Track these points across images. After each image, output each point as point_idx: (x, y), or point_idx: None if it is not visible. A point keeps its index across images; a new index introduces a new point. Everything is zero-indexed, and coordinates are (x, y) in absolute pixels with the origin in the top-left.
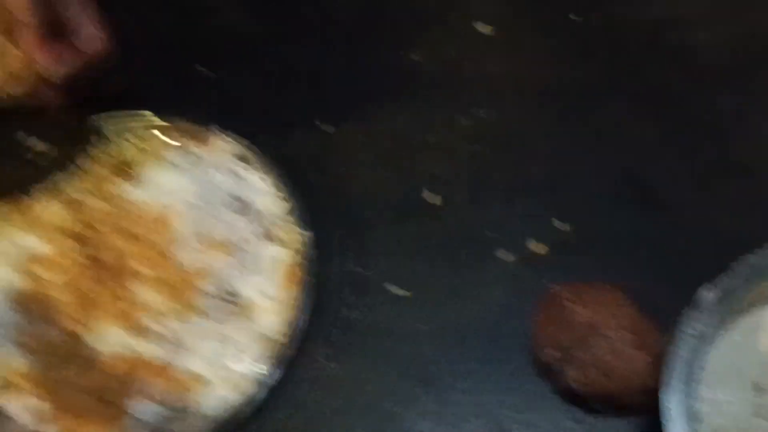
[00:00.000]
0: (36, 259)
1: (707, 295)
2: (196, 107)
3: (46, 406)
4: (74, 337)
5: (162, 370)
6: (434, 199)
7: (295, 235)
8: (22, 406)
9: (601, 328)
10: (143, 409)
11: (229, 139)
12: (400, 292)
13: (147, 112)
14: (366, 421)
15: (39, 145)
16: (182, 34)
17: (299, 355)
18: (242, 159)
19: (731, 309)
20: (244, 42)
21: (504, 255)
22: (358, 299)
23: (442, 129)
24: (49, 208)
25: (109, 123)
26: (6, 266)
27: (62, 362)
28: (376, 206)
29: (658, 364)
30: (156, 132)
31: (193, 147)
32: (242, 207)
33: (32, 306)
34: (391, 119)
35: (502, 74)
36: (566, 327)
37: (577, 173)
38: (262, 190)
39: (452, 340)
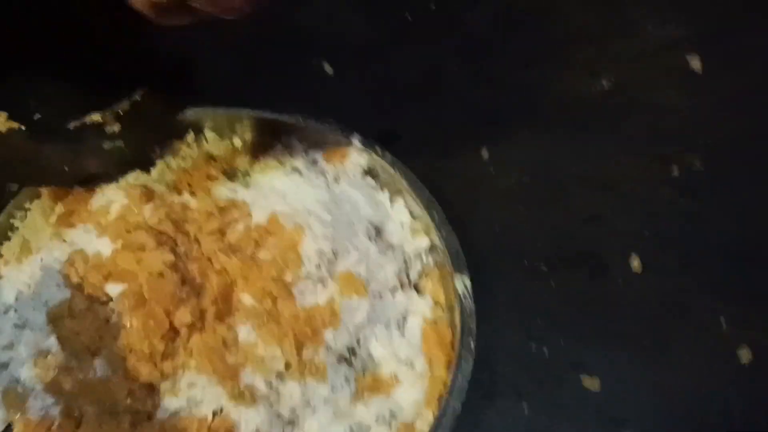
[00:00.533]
0: (100, 264)
1: None
2: (318, 108)
3: None
4: (139, 387)
5: None
6: (632, 261)
7: (445, 283)
8: None
9: None
10: None
11: (360, 148)
12: (589, 383)
13: (264, 113)
14: None
15: (117, 131)
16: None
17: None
18: (372, 174)
19: None
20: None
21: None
22: (531, 384)
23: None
24: (121, 203)
25: (210, 117)
26: (54, 277)
27: (111, 417)
28: (545, 256)
29: None
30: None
31: (317, 154)
32: (380, 238)
33: (84, 330)
34: (559, 150)
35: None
36: None
37: None
38: (399, 219)
39: None
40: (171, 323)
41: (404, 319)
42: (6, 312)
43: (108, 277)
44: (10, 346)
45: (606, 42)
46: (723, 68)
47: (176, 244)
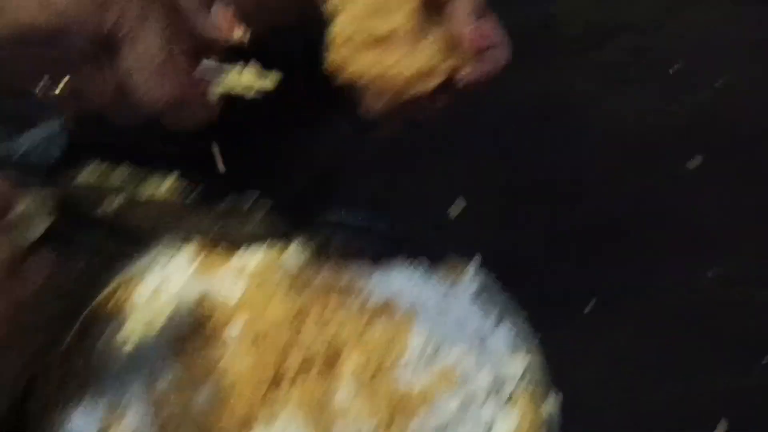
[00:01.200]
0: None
1: None
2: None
3: None
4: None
5: None
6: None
7: (535, 406)
8: None
9: None
10: None
11: (476, 271)
12: None
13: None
14: None
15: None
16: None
17: None
18: (482, 298)
19: None
20: None
21: None
22: None
23: None
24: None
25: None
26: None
27: None
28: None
29: None
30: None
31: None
32: (482, 350)
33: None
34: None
35: None
36: None
37: None
38: (502, 339)
39: None
40: (278, 370)
41: (490, 430)
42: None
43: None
44: None
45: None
46: None
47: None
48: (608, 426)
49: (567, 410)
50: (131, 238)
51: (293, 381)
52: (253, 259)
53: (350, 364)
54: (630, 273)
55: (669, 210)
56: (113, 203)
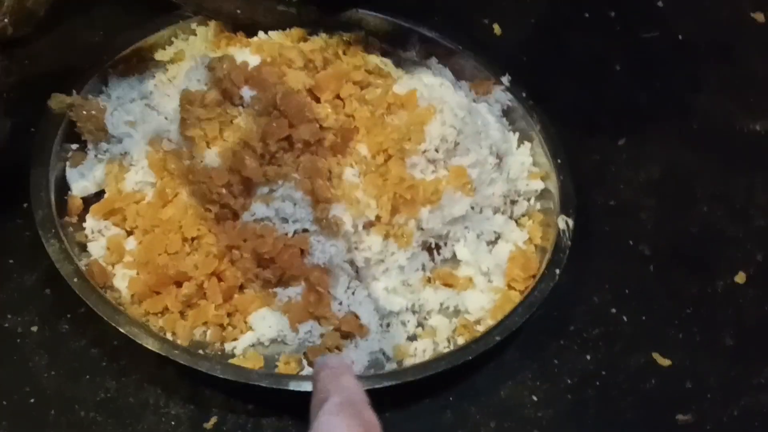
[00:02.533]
0: (245, 69)
1: None
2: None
3: None
4: (237, 182)
5: (319, 298)
6: (737, 275)
7: (545, 228)
8: None
9: None
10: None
11: (507, 86)
12: (664, 362)
13: (427, 34)
14: None
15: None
16: None
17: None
18: (510, 117)
19: None
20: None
21: None
22: (602, 341)
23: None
24: (279, 38)
25: (378, 22)
26: (198, 73)
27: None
28: (652, 242)
29: None
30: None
31: (464, 84)
32: (498, 161)
33: (209, 120)
34: (700, 164)
35: None
36: None
37: None
38: (521, 159)
39: None
40: (290, 136)
41: (496, 239)
42: (141, 99)
43: (248, 81)
44: (132, 124)
45: None
46: None
47: (318, 72)
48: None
49: (579, 238)
50: (160, 4)
51: (302, 151)
52: (272, 38)
53: (364, 144)
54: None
55: None
56: None
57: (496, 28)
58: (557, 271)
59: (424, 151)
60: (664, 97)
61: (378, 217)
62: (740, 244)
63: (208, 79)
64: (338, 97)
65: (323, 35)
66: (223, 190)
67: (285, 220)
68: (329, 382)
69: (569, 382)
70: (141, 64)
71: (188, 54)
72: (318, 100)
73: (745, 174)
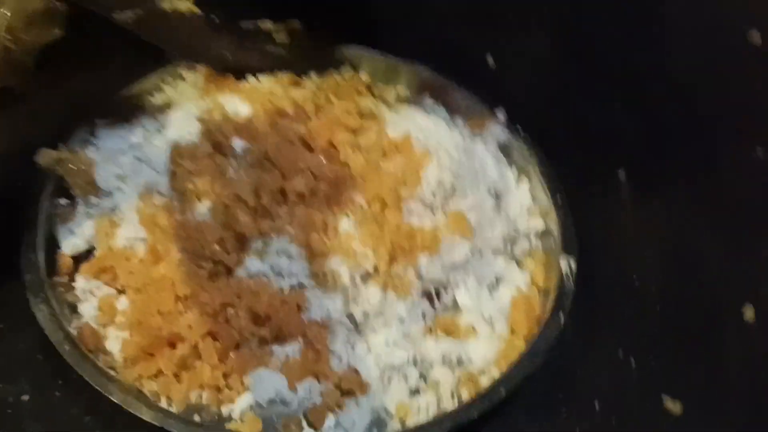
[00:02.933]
0: (235, 120)
1: None
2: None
3: None
4: (230, 237)
5: (317, 355)
6: (746, 312)
7: (548, 268)
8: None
9: None
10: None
11: (503, 122)
12: (674, 407)
13: (421, 69)
14: None
15: (284, 41)
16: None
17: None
18: (506, 152)
19: None
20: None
21: None
22: (609, 387)
23: None
24: (270, 85)
25: (369, 60)
26: (189, 123)
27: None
28: (658, 282)
29: None
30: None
31: (459, 120)
32: (496, 202)
33: (200, 173)
34: (702, 203)
35: None
36: None
37: None
38: (520, 197)
39: None
40: (283, 188)
41: (497, 283)
42: (130, 150)
43: (239, 132)
44: (122, 178)
45: None
46: None
47: (310, 120)
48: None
49: (582, 279)
50: (147, 49)
51: (296, 203)
52: (262, 84)
53: (359, 192)
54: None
55: None
56: (133, 11)
57: (490, 61)
58: (562, 315)
59: (421, 198)
60: (664, 129)
61: (376, 268)
62: (748, 279)
63: (199, 130)
64: (331, 144)
65: (314, 77)
66: (216, 246)
67: (280, 275)
68: None
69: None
70: (129, 113)
71: (177, 101)
72: (311, 149)
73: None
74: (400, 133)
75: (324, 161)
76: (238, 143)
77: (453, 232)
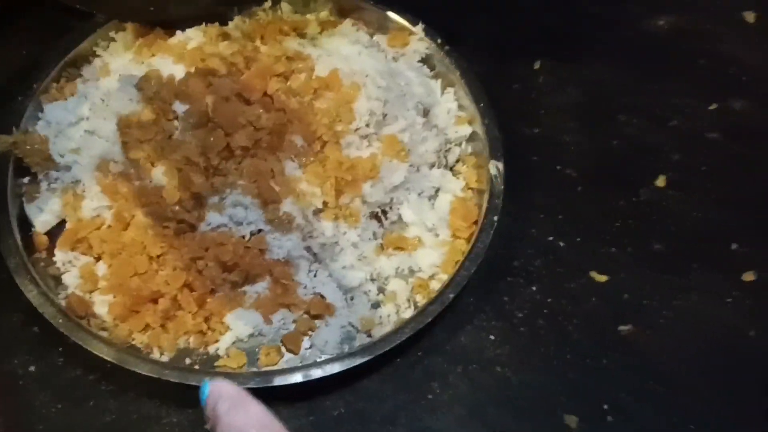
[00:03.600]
0: (173, 84)
1: None
2: None
3: None
4: (189, 197)
5: (285, 289)
6: (658, 181)
7: (479, 169)
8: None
9: None
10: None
11: (423, 37)
12: (601, 279)
13: None
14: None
15: None
16: None
17: (451, 310)
18: (429, 64)
19: None
20: None
21: (747, 276)
22: (544, 270)
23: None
24: (199, 40)
25: None
26: (128, 91)
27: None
28: (579, 165)
29: None
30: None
31: (381, 38)
32: (426, 119)
33: (149, 140)
34: (614, 79)
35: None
36: None
37: None
38: (447, 106)
39: (658, 359)
40: (228, 144)
41: (436, 193)
42: (79, 122)
43: (178, 96)
44: (77, 151)
45: None
46: None
47: (242, 74)
48: (552, 183)
49: (512, 172)
50: (73, 13)
51: (242, 156)
52: (191, 40)
53: (298, 135)
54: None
55: None
56: None
57: None
58: (495, 218)
59: (356, 129)
60: (574, 16)
61: (325, 203)
62: (658, 148)
63: (140, 98)
64: (266, 94)
65: (238, 22)
66: (177, 207)
67: (240, 224)
68: (234, 415)
69: (520, 315)
70: (71, 83)
71: (113, 66)
72: (248, 102)
73: (658, 78)
74: (328, 70)
75: (261, 112)
76: (179, 106)
77: (389, 156)
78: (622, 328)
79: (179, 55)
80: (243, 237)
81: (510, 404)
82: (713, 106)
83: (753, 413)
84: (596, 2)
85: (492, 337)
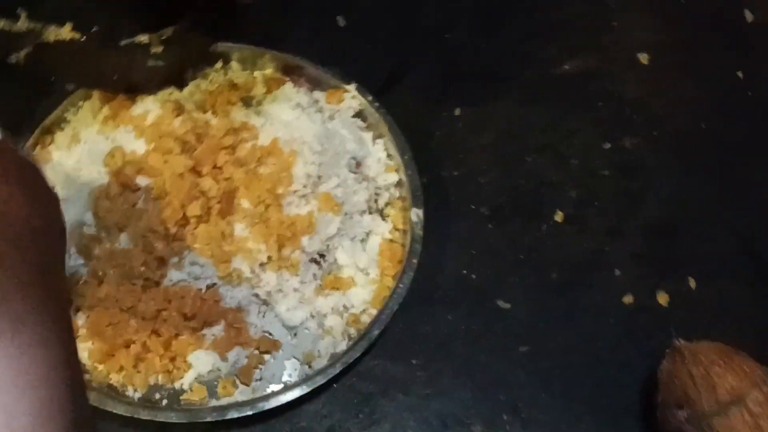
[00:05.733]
0: (135, 160)
1: None
2: (329, 56)
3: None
4: (152, 259)
5: (238, 331)
6: (557, 216)
7: (405, 213)
8: None
9: (745, 398)
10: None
11: (356, 94)
12: (505, 306)
13: (282, 54)
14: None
15: (160, 51)
16: None
17: (381, 339)
18: (362, 117)
19: None
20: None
21: (626, 299)
22: (461, 299)
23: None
24: (157, 113)
25: (237, 52)
26: (97, 164)
27: (128, 280)
28: (490, 203)
29: None
30: (284, 75)
31: (319, 94)
32: (359, 170)
33: (116, 210)
34: (521, 117)
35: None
36: (706, 390)
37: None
38: (377, 156)
39: (552, 373)
40: (184, 213)
41: (367, 236)
42: (53, 188)
43: (140, 171)
44: None
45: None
46: (669, 67)
47: (195, 150)
48: (468, 221)
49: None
50: (45, 84)
51: (197, 223)
52: (150, 114)
53: (246, 199)
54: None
55: None
56: (23, 51)
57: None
58: (414, 260)
59: (295, 191)
60: (491, 62)
61: (269, 257)
62: (559, 185)
63: (107, 172)
64: (216, 166)
65: (192, 86)
66: (143, 268)
67: (197, 278)
68: None
69: (438, 341)
70: (45, 150)
71: (82, 135)
72: (200, 174)
73: (563, 118)
74: (270, 139)
75: (212, 183)
76: (141, 180)
77: (325, 211)
78: (521, 348)
79: (140, 129)
80: (200, 290)
81: (427, 420)
82: (607, 145)
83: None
84: (508, 50)
85: (414, 362)
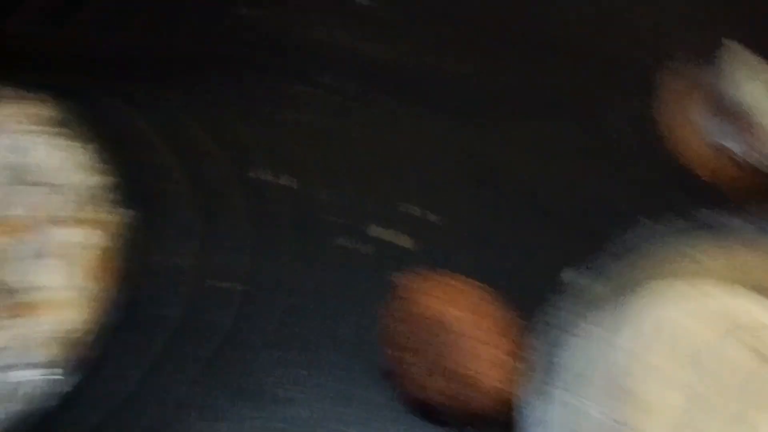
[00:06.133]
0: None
1: (570, 277)
2: None
3: None
4: None
5: None
6: (274, 178)
7: (107, 215)
8: None
9: (454, 325)
10: None
11: (26, 99)
12: (226, 285)
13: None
14: None
15: None
16: None
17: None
18: (36, 121)
19: (596, 297)
20: None
21: (350, 242)
22: (177, 295)
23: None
24: None
25: None
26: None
27: None
28: (205, 188)
29: (515, 369)
30: None
31: None
32: (31, 179)
33: None
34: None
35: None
36: (413, 324)
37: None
38: (61, 160)
39: (285, 344)
40: None
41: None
42: None
43: None
44: None
45: None
46: None
47: None
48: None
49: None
50: None
51: None
52: None
53: None
54: None
55: None
56: None
57: None
58: None
59: None
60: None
61: None
62: None
63: None
64: None
65: None
66: None
67: None
68: None
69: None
70: None
71: None
72: None
73: None
74: None
75: None
76: None
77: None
78: None
79: None
80: None
81: None
82: None
83: None
84: None
85: None
